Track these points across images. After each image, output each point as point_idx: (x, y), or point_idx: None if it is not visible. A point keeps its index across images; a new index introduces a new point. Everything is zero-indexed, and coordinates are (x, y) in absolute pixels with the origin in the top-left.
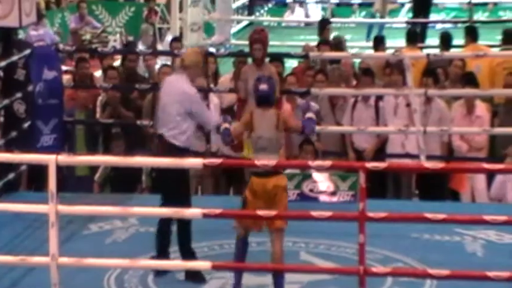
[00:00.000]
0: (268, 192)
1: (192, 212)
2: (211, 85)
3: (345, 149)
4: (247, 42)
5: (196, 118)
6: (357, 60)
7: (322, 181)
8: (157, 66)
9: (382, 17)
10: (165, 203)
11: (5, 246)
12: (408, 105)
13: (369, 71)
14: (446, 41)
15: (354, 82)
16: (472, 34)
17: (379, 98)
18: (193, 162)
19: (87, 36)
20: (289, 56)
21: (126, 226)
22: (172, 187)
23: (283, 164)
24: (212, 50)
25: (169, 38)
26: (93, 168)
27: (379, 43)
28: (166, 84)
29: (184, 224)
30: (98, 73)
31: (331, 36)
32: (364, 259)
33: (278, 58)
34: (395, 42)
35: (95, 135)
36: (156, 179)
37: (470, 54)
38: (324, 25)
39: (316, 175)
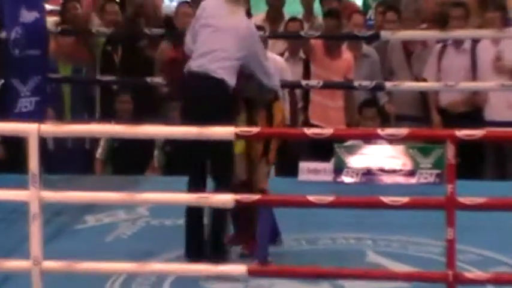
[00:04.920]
0: None
1: (222, 199)
2: None
3: (428, 112)
4: None
5: None
6: None
7: (396, 156)
8: (170, 4)
9: None
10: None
11: None
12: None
13: (462, 3)
14: None
15: None
16: None
17: (476, 41)
18: (223, 131)
19: None
20: None
21: (133, 218)
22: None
23: (342, 134)
24: None
25: None
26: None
27: None
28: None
29: (221, 214)
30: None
31: None
32: (454, 261)
33: None
34: None
35: (89, 96)
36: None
37: None
38: None
39: (386, 148)
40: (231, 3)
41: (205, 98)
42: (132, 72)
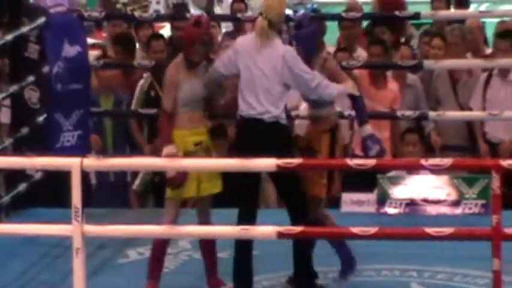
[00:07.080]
0: None
1: (264, 231)
2: None
3: (473, 142)
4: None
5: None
6: (489, 21)
7: (440, 186)
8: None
9: None
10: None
11: (14, 281)
12: None
13: (508, 33)
14: None
15: (487, 51)
16: None
17: None
18: (265, 163)
19: None
20: (396, 17)
21: (175, 252)
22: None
23: (385, 164)
24: (288, 12)
25: None
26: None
27: None
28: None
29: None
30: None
31: None
32: None
33: (386, 22)
34: None
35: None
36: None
37: None
38: None
39: (430, 178)
40: (261, 36)
41: (262, 143)
42: None
